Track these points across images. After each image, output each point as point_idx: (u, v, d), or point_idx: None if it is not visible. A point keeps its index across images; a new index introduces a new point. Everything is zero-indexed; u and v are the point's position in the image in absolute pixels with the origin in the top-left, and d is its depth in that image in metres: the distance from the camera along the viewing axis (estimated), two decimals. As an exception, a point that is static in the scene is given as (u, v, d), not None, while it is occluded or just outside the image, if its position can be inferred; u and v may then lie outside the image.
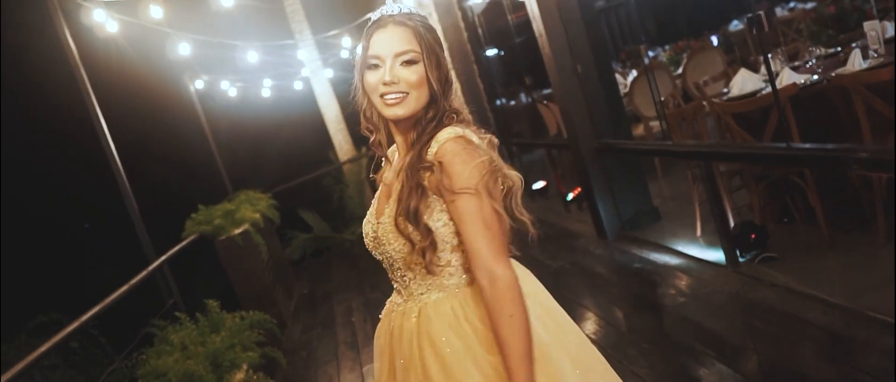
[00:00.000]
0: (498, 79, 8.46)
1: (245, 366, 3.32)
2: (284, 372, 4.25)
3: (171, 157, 9.58)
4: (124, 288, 3.92)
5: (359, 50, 1.52)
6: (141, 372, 3.21)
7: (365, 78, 1.48)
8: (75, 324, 3.37)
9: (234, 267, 5.69)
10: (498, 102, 8.10)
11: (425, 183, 1.40)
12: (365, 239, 1.57)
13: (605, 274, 4.50)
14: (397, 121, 1.49)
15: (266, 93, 8.52)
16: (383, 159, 1.64)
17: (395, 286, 1.58)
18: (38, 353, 2.91)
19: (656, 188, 5.67)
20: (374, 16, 1.53)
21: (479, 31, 7.50)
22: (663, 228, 4.80)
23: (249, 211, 6.04)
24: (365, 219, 1.59)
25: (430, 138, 1.44)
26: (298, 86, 8.80)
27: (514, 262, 1.48)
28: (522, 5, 5.09)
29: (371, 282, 6.14)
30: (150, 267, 4.15)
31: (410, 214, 1.41)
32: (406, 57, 1.45)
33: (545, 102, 7.42)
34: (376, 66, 1.46)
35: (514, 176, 1.49)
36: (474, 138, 1.44)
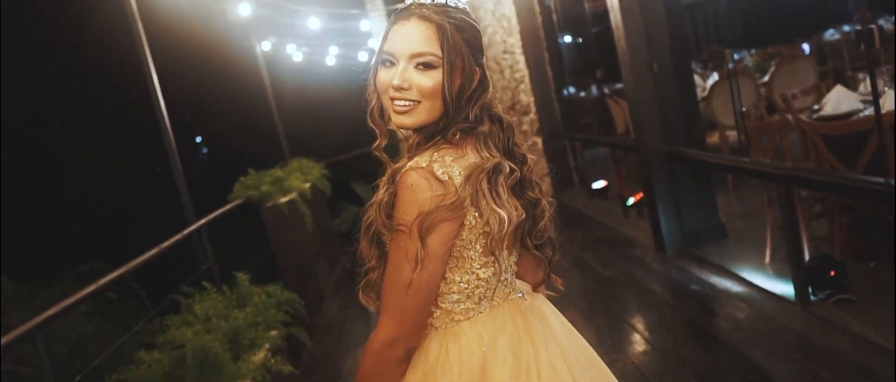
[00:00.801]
0: (569, 68, 8.11)
1: (266, 347, 3.19)
2: (311, 352, 4.13)
3: (231, 119, 9.63)
4: (156, 249, 3.85)
5: (382, 39, 1.30)
6: (159, 340, 3.12)
7: (378, 73, 1.29)
8: (105, 279, 3.32)
9: (277, 236, 5.60)
10: (566, 92, 7.76)
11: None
12: None
13: (658, 291, 4.18)
14: (405, 131, 1.32)
15: (331, 61, 8.40)
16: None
17: None
18: (73, 300, 2.86)
19: (726, 202, 5.27)
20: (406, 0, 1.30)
21: (554, 16, 7.17)
22: (728, 249, 4.43)
23: (299, 180, 5.94)
24: None
25: (412, 158, 1.26)
26: (363, 57, 8.65)
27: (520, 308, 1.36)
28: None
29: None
30: (187, 230, 4.07)
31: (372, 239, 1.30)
32: (423, 59, 1.25)
33: (615, 98, 7.04)
34: (390, 64, 1.27)
35: (501, 215, 1.25)
36: (444, 171, 1.22)
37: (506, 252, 1.35)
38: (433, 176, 1.22)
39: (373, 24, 7.63)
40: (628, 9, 4.50)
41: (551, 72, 7.51)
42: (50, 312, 2.40)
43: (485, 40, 6.19)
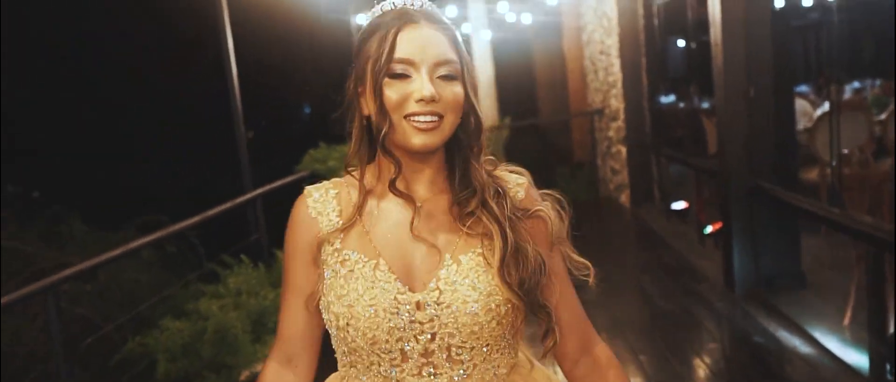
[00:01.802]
0: (668, 77, 7.68)
1: (289, 332, 3.12)
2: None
3: (314, 90, 9.73)
4: (212, 211, 3.87)
5: (368, 44, 1.08)
6: (188, 308, 3.12)
7: (384, 89, 1.05)
8: (157, 234, 3.37)
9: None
10: (661, 101, 7.34)
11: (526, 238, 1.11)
12: (368, 324, 1.05)
13: (716, 334, 3.86)
14: (422, 154, 1.08)
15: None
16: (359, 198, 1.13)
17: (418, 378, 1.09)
18: (81, 267, 2.89)
19: (813, 247, 4.81)
20: (395, 2, 1.11)
21: (655, 21, 6.76)
22: (805, 301, 4.03)
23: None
24: (358, 291, 1.06)
25: (496, 181, 1.14)
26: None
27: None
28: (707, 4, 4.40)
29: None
30: (241, 199, 4.07)
31: (531, 284, 1.08)
32: (445, 70, 1.06)
33: (710, 115, 6.60)
34: (403, 77, 1.05)
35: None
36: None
37: None
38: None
39: (458, 9, 7.45)
40: (730, 24, 4.13)
41: (647, 79, 7.11)
42: (57, 276, 2.41)
43: (584, 38, 5.95)
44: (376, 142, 1.08)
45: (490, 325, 1.06)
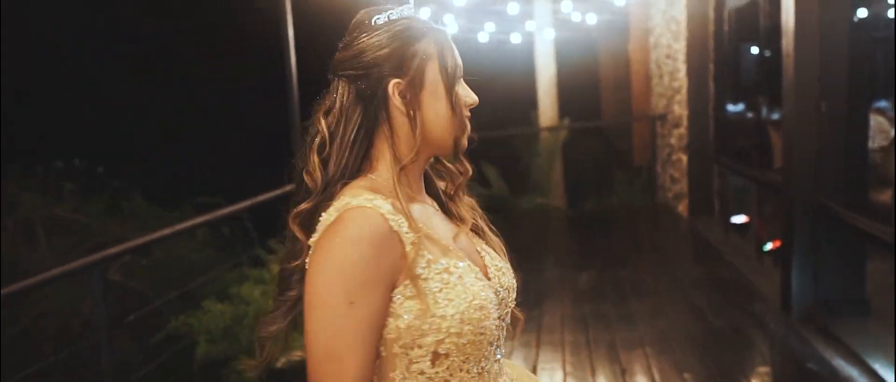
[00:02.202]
0: (734, 84, 7.41)
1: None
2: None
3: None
4: (261, 197, 3.93)
5: (419, 44, 1.11)
6: (233, 290, 3.17)
7: (457, 89, 1.14)
8: (206, 217, 3.44)
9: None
10: (726, 109, 7.09)
11: None
12: (502, 298, 1.13)
13: (768, 357, 3.69)
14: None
15: (484, 38, 8.25)
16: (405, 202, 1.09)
17: (482, 368, 1.09)
18: (175, 229, 3.00)
19: (880, 271, 4.55)
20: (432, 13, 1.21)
21: (726, 26, 6.52)
22: (867, 330, 3.81)
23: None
24: (496, 270, 1.15)
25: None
26: (516, 39, 8.41)
27: None
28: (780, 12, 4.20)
29: (517, 263, 5.74)
30: (289, 187, 4.12)
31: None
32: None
33: (778, 128, 6.32)
34: (461, 80, 1.17)
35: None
36: None
37: None
38: None
39: (520, 7, 7.36)
40: (804, 33, 3.93)
41: (714, 85, 6.88)
42: (101, 254, 2.48)
43: (651, 41, 5.80)
44: (434, 144, 1.12)
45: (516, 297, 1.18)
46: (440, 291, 1.03)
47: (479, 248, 1.18)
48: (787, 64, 4.06)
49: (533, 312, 4.29)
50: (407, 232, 1.02)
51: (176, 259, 5.04)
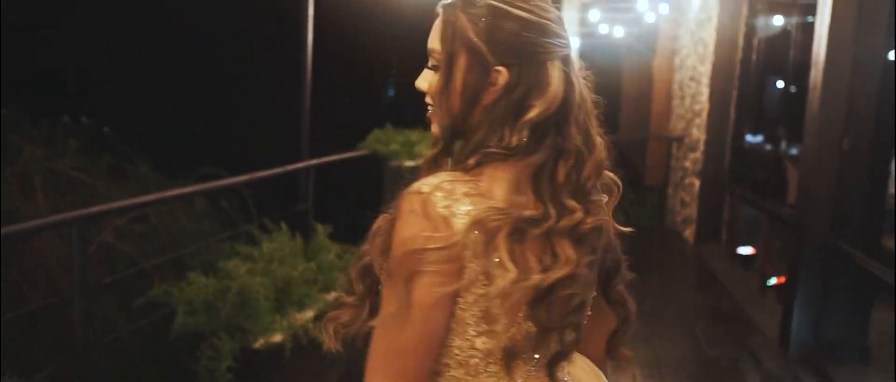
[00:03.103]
0: (756, 114, 7.27)
1: (313, 309, 3.06)
2: (369, 329, 3.98)
3: (409, 74, 9.70)
4: (261, 173, 3.87)
5: None
6: (221, 264, 3.10)
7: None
8: (197, 187, 3.37)
9: (390, 197, 5.51)
10: (745, 138, 6.96)
11: None
12: None
13: (762, 396, 3.58)
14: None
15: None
16: None
17: None
18: (161, 196, 2.96)
19: (884, 319, 4.43)
20: None
21: (754, 55, 6.40)
22: (866, 377, 3.70)
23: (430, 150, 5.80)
24: None
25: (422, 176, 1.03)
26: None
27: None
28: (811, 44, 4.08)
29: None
30: (292, 166, 4.05)
31: None
32: (431, 61, 1.06)
33: (795, 161, 6.20)
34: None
35: (509, 278, 0.95)
36: (446, 206, 0.95)
37: (511, 322, 1.03)
38: (430, 206, 0.95)
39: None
40: (835, 69, 3.81)
41: (735, 113, 6.75)
42: (82, 212, 2.42)
43: (677, 61, 5.58)
44: None
45: None
46: None
47: None
48: (813, 97, 3.94)
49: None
50: None
51: (170, 227, 4.97)
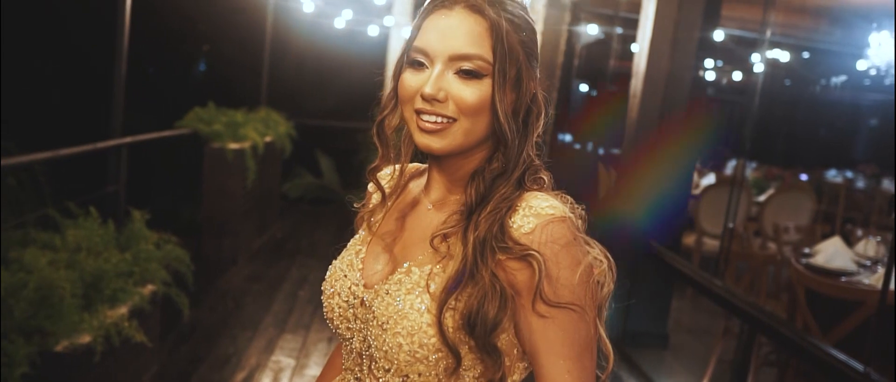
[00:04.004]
0: (568, 116, 7.77)
1: (128, 305, 2.73)
2: (188, 321, 3.67)
3: (227, 43, 9.09)
4: (65, 150, 3.39)
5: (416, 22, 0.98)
6: (13, 255, 2.65)
7: (402, 77, 0.96)
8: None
9: (211, 181, 5.15)
10: (560, 138, 7.40)
11: (500, 276, 0.91)
12: (328, 301, 1.03)
13: None
14: (432, 155, 1.00)
15: (340, 24, 7.95)
16: (374, 185, 1.09)
17: (353, 374, 1.02)
18: None
19: (678, 309, 4.93)
20: None
21: (576, 61, 6.81)
22: (664, 363, 4.08)
23: (257, 132, 5.48)
24: (335, 269, 1.05)
25: (511, 205, 0.94)
26: (373, 32, 8.21)
27: None
28: (629, 55, 4.41)
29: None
30: (103, 143, 3.60)
31: (483, 325, 0.90)
32: (467, 65, 0.93)
33: (607, 164, 6.71)
34: (419, 66, 0.95)
35: (608, 277, 1.02)
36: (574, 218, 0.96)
37: None
38: (577, 230, 0.95)
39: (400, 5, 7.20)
40: (653, 83, 4.14)
41: (553, 113, 7.15)
42: None
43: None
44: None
45: (409, 359, 0.92)
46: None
47: (396, 255, 1.01)
48: (633, 104, 4.25)
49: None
50: (379, 194, 1.08)
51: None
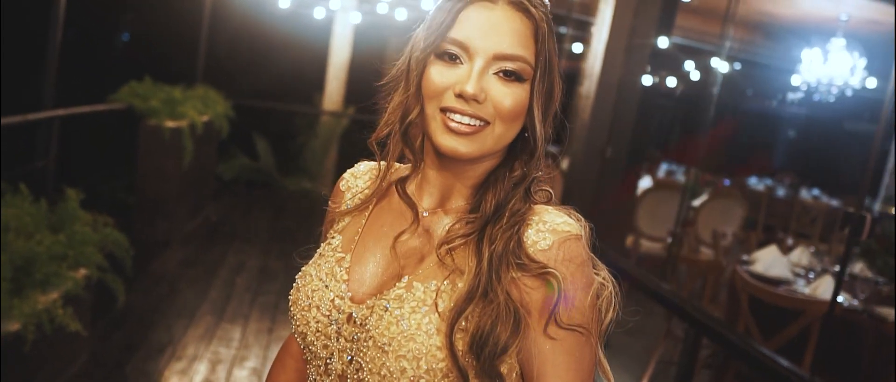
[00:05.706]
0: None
1: (60, 291, 2.55)
2: (123, 307, 3.47)
3: (148, 20, 8.67)
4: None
5: (429, 17, 0.90)
6: (-68, 234, 2.43)
7: (428, 69, 0.87)
8: None
9: (146, 161, 4.89)
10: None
11: (513, 295, 0.85)
12: (303, 314, 0.92)
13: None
14: (451, 158, 0.89)
15: (285, 3, 7.71)
16: (375, 179, 1.00)
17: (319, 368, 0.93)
18: None
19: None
20: None
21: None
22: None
23: (195, 111, 5.24)
24: (309, 278, 0.94)
25: (523, 218, 0.88)
26: (319, 14, 8.00)
27: None
28: (579, 56, 4.45)
29: (280, 249, 5.39)
30: (34, 115, 3.35)
31: (492, 348, 0.83)
32: (510, 65, 0.86)
33: (549, 162, 6.77)
34: (454, 60, 0.86)
35: (614, 302, 0.95)
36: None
37: None
38: (588, 249, 0.93)
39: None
40: (606, 86, 4.18)
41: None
42: None
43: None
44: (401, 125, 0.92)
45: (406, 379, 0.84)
46: (314, 256, 0.99)
47: (389, 266, 0.92)
48: (585, 105, 4.29)
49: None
50: (354, 196, 1.00)
51: None
